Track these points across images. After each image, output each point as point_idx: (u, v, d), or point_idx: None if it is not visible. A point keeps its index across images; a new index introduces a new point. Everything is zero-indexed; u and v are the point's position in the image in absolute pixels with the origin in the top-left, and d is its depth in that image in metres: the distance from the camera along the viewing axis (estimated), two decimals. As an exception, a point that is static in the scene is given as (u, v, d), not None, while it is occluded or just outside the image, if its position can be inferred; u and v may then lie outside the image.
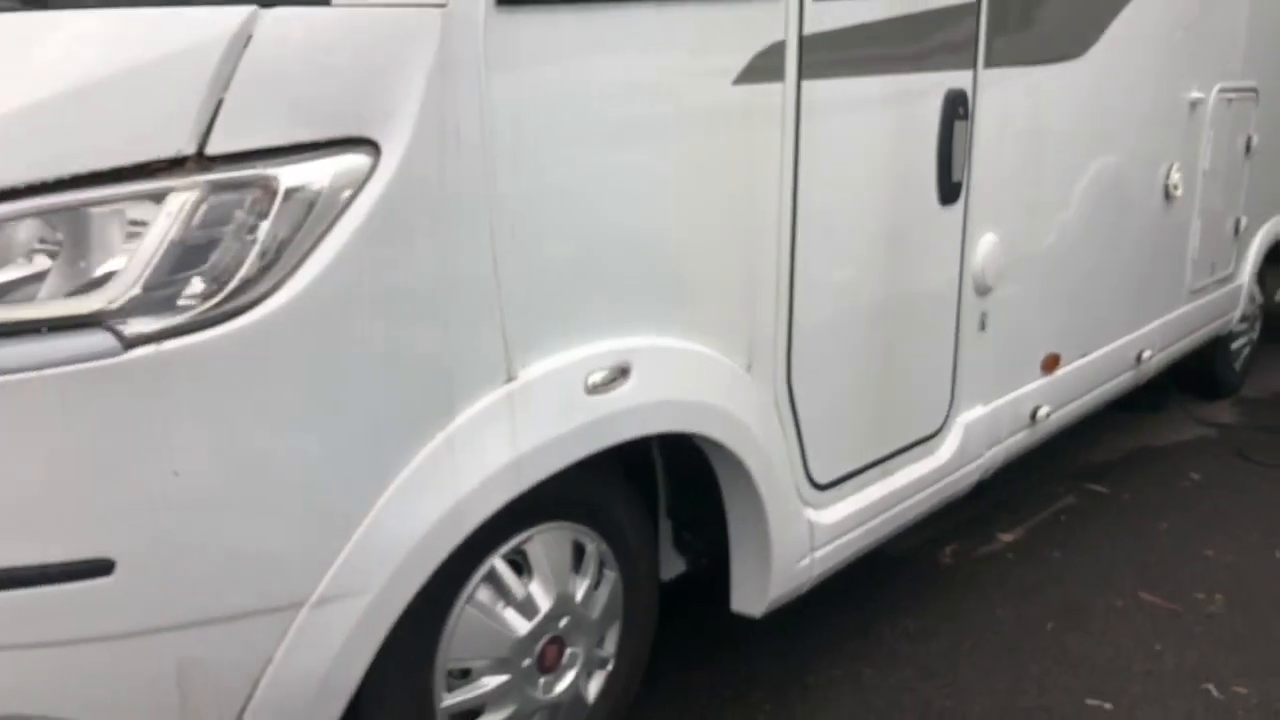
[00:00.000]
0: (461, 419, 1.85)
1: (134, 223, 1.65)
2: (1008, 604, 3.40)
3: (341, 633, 1.80)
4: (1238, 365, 5.50)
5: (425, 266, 1.76)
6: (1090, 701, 2.89)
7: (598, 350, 2.05)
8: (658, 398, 2.17)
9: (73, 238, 1.64)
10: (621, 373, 2.08)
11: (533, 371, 1.95)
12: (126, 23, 1.70)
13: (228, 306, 1.61)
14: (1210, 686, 2.98)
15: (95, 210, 1.63)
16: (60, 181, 1.60)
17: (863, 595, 3.32)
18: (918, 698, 2.89)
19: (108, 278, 1.62)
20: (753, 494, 2.43)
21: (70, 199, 1.61)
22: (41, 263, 1.67)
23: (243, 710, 1.79)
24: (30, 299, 1.64)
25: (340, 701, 1.87)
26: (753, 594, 2.58)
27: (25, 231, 1.64)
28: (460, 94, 1.74)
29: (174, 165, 1.62)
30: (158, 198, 1.61)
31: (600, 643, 2.43)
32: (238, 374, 1.62)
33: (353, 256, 1.67)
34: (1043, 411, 3.55)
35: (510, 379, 1.92)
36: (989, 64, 2.91)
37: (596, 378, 2.04)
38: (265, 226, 1.62)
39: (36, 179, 1.60)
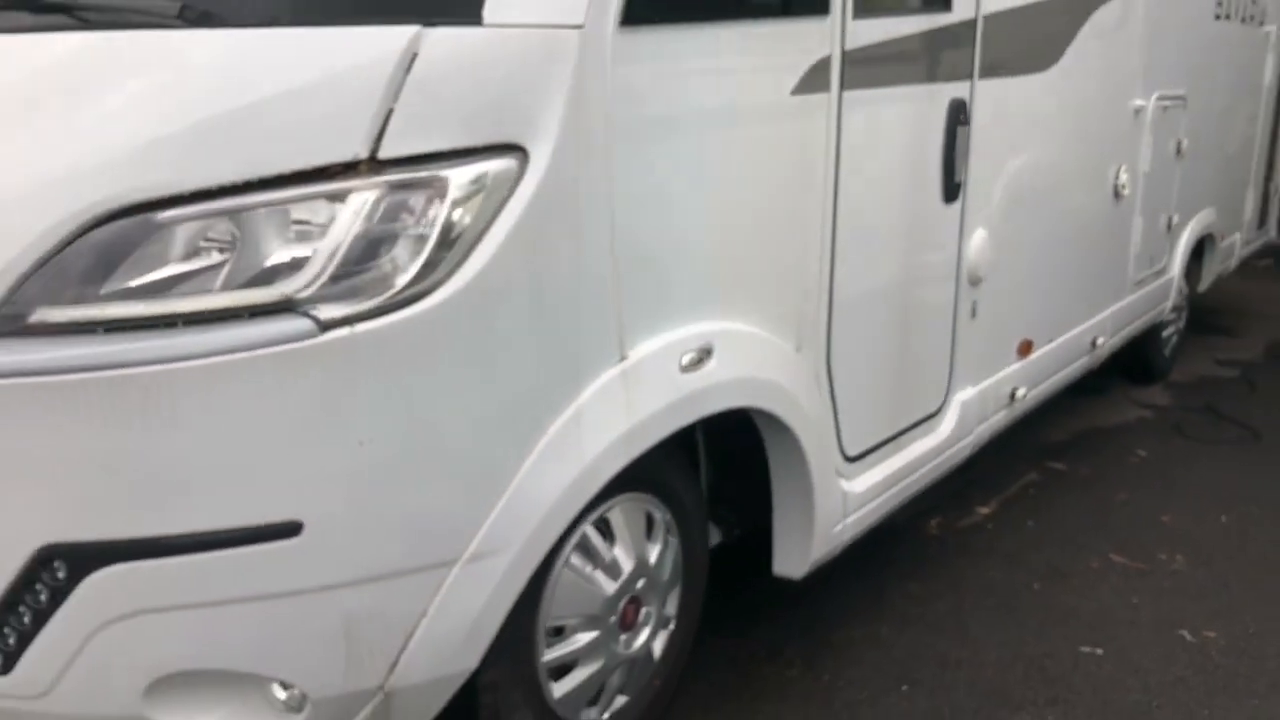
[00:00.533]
0: (587, 394, 2.07)
1: (297, 221, 1.84)
2: (996, 568, 3.71)
3: (487, 587, 2.00)
4: (1168, 352, 5.94)
5: (562, 259, 1.98)
6: (1084, 649, 3.22)
7: (688, 334, 2.29)
8: (734, 376, 2.41)
9: (251, 234, 1.81)
10: (706, 354, 2.33)
11: (639, 352, 2.18)
12: (303, 40, 1.88)
13: (407, 294, 1.80)
14: (1184, 632, 3.33)
15: (275, 209, 1.81)
16: (248, 184, 1.78)
17: (868, 565, 3.59)
18: (934, 650, 3.18)
19: (288, 269, 1.80)
20: (801, 465, 2.69)
21: (257, 199, 1.79)
22: (214, 257, 1.85)
23: (396, 661, 1.98)
24: (206, 290, 1.82)
25: (478, 652, 2.07)
26: (795, 558, 2.84)
27: (208, 230, 1.81)
28: (591, 103, 1.97)
29: (348, 168, 1.81)
30: (337, 197, 1.80)
31: (664, 604, 2.66)
32: (415, 354, 1.82)
33: (509, 249, 1.88)
34: (1020, 392, 3.88)
35: (623, 359, 2.14)
36: (983, 75, 3.22)
37: (687, 358, 2.28)
38: (438, 222, 1.82)
39: (227, 180, 1.78)
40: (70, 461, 1.76)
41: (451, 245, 1.83)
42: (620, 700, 2.59)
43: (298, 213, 1.83)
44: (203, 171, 1.78)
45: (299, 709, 1.98)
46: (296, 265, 1.80)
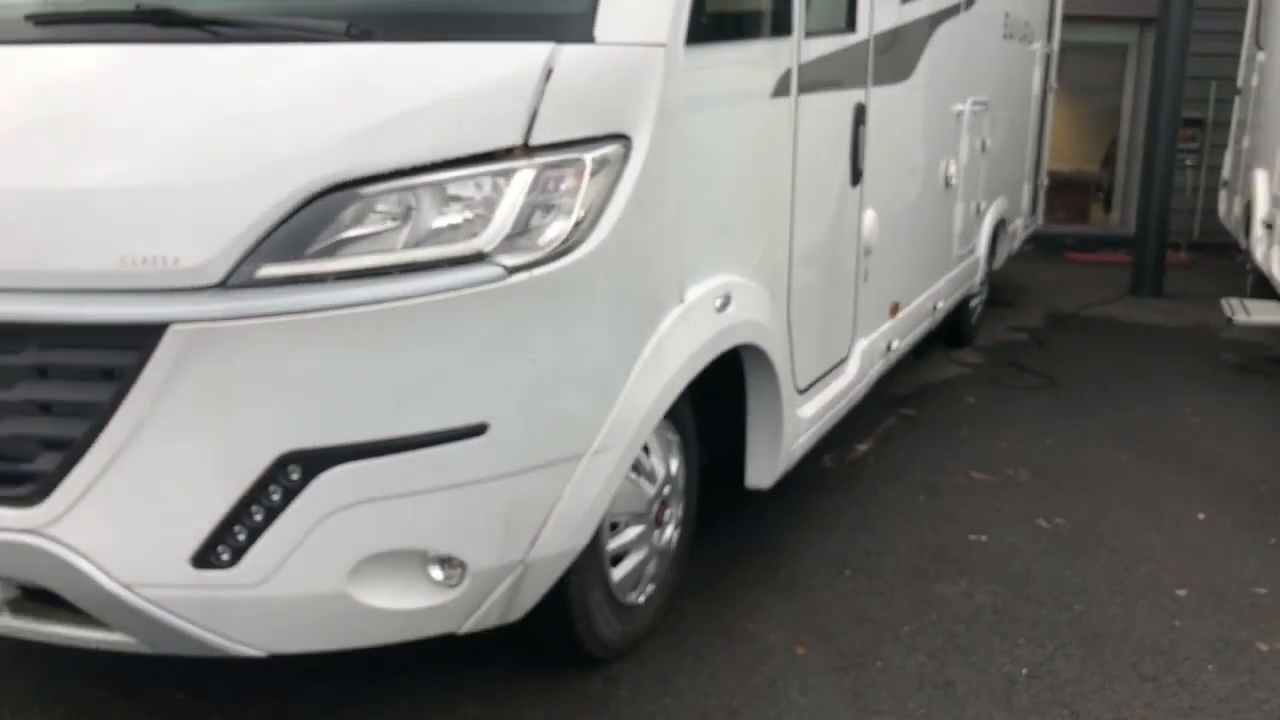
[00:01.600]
0: (664, 325, 2.69)
1: (454, 197, 2.38)
2: (886, 488, 4.53)
3: (602, 476, 2.58)
4: (974, 320, 7.02)
5: (651, 222, 2.59)
6: (971, 537, 4.06)
7: (716, 283, 2.94)
8: (745, 319, 3.08)
9: (429, 203, 2.33)
10: (728, 300, 2.98)
11: (691, 295, 2.81)
12: (460, 53, 2.41)
13: (561, 248, 2.37)
14: (1041, 521, 4.23)
15: (445, 184, 2.34)
16: (433, 164, 2.31)
17: (784, 493, 4.27)
18: (857, 545, 3.95)
19: (467, 229, 2.33)
20: (775, 392, 3.38)
21: (439, 176, 2.31)
22: (389, 223, 2.35)
23: (536, 537, 2.53)
24: (392, 248, 2.33)
25: (589, 532, 2.65)
26: (766, 470, 3.53)
27: (395, 200, 2.32)
28: (670, 100, 2.59)
29: (508, 152, 2.37)
30: (504, 174, 2.34)
31: (678, 508, 3.29)
32: (570, 293, 2.40)
33: (623, 214, 2.48)
34: (894, 345, 4.73)
35: (682, 301, 2.77)
36: (874, 83, 4.02)
37: (718, 302, 2.93)
38: (580, 193, 2.40)
39: (417, 161, 2.30)
40: (309, 383, 2.23)
41: (588, 211, 2.42)
42: (650, 588, 3.21)
43: (455, 189, 2.36)
44: (396, 155, 2.29)
45: (457, 583, 2.49)
46: (475, 227, 2.33)
